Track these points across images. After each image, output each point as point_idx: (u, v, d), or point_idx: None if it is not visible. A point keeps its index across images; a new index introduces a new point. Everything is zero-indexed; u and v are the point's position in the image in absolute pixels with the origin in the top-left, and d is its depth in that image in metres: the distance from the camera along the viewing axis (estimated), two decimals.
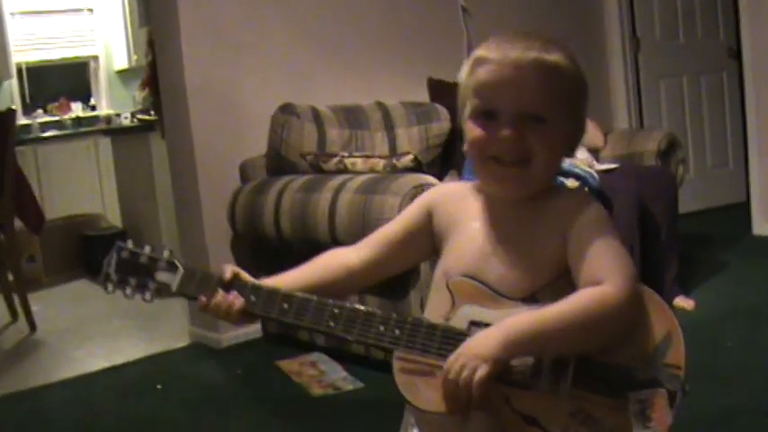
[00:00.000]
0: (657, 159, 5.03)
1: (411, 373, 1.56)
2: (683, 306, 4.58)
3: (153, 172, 6.92)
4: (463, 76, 1.65)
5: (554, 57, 1.57)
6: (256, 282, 1.69)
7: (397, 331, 1.58)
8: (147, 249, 1.79)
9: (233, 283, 1.69)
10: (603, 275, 1.51)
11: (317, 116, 4.65)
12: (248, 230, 4.44)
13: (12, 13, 9.50)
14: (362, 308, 1.63)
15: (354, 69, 5.19)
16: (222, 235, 4.69)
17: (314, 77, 5.06)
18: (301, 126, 4.53)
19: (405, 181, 3.75)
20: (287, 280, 1.72)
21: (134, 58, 9.60)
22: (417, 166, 4.22)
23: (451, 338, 1.55)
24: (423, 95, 5.35)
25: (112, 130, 8.68)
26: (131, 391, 4.25)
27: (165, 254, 1.78)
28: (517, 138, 1.54)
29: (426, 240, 1.77)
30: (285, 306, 1.64)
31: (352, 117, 4.78)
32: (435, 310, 1.64)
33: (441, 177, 4.62)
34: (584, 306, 1.48)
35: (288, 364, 4.19)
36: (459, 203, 1.75)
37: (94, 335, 5.41)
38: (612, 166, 4.86)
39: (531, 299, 1.57)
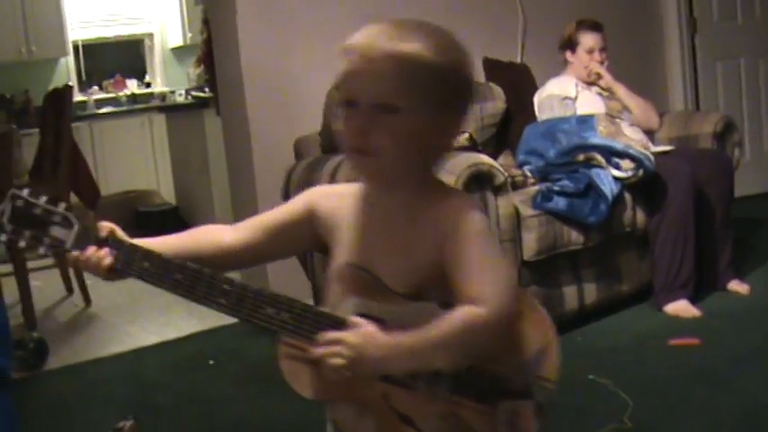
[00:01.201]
0: (713, 142, 4.97)
1: (294, 359, 1.59)
2: (737, 290, 4.54)
3: (207, 149, 6.95)
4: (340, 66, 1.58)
5: (411, 46, 1.50)
6: (131, 242, 1.68)
7: (285, 315, 1.57)
8: (43, 200, 1.67)
9: (108, 240, 1.66)
10: (479, 295, 1.48)
11: None
12: None
13: None
14: (253, 288, 1.59)
15: None
16: None
17: None
18: None
19: (460, 160, 3.74)
20: (159, 244, 1.71)
21: (189, 35, 9.63)
22: (472, 145, 4.21)
23: (339, 329, 1.53)
24: (478, 75, 5.32)
25: (167, 107, 8.74)
26: (183, 367, 4.28)
27: (61, 207, 1.67)
28: (363, 129, 1.51)
29: (304, 236, 1.74)
30: (148, 265, 1.66)
31: None
32: (328, 301, 1.64)
33: (495, 156, 4.60)
34: (460, 329, 1.46)
35: None
36: (342, 201, 1.71)
37: (148, 310, 5.44)
38: (668, 148, 4.82)
39: (417, 296, 1.55)
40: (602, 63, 4.91)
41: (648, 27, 6.71)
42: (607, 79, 4.92)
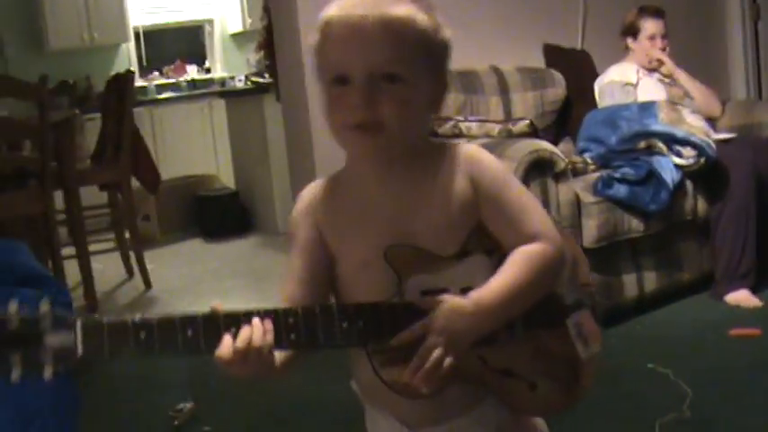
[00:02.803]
0: None
1: (394, 365, 1.43)
2: None
3: (266, 134, 6.98)
4: (312, 44, 1.50)
5: (402, 10, 1.42)
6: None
7: (360, 323, 1.42)
8: (13, 307, 1.27)
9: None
10: (537, 232, 1.48)
11: None
12: None
13: None
14: (316, 307, 1.43)
15: (470, 33, 5.15)
16: None
17: None
18: None
19: (521, 146, 3.73)
20: None
21: (248, 21, 9.69)
22: (533, 132, 4.19)
23: (417, 315, 1.43)
24: (538, 61, 5.30)
25: (227, 93, 8.78)
26: None
27: (43, 307, 1.29)
28: (369, 102, 1.41)
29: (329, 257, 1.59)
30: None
31: (466, 81, 4.75)
32: (375, 292, 1.49)
33: (556, 143, 4.58)
34: (534, 269, 1.45)
35: None
36: (328, 201, 1.60)
37: (207, 293, 5.49)
38: (730, 136, 4.76)
39: (464, 253, 1.50)
40: (663, 50, 4.87)
41: (710, 13, 6.64)
42: (669, 66, 4.88)
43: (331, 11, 1.45)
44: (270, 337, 1.36)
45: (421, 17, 1.44)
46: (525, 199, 1.51)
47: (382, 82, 1.41)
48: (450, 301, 1.43)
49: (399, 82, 1.42)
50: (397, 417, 1.58)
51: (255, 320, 1.36)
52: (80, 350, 1.30)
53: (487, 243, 1.50)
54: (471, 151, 1.54)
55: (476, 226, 1.50)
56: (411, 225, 1.49)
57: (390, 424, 1.60)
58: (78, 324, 1.31)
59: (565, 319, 1.52)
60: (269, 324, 1.37)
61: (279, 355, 1.45)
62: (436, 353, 1.38)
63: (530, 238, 1.48)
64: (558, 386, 1.53)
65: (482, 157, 1.52)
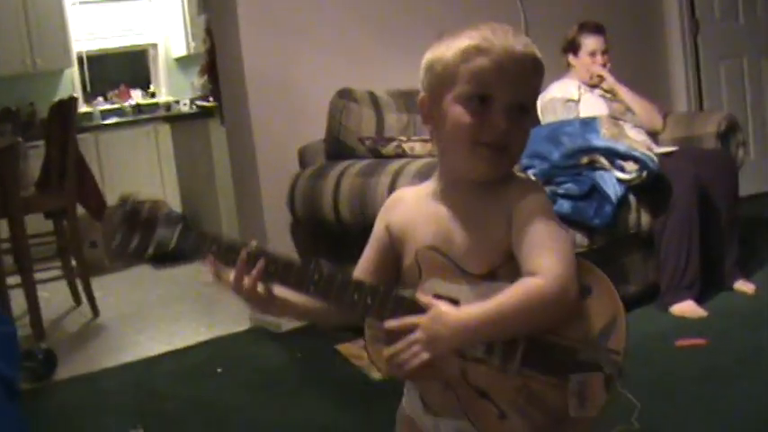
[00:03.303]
0: (717, 142, 4.98)
1: (379, 343, 1.66)
2: (743, 290, 4.54)
3: (212, 158, 6.98)
4: (449, 60, 1.66)
5: (537, 51, 1.66)
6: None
7: (369, 300, 1.64)
8: (148, 203, 1.79)
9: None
10: (537, 267, 1.54)
11: (375, 101, 4.66)
12: (308, 215, 4.46)
13: (72, 3, 9.60)
14: (339, 275, 1.67)
15: (412, 53, 5.13)
16: (282, 220, 4.72)
17: (372, 62, 5.06)
18: (359, 111, 4.54)
19: None
20: (294, 296, 1.75)
21: (192, 45, 9.68)
22: None
23: (416, 310, 1.60)
24: None
25: (172, 117, 8.77)
26: (192, 375, 4.29)
27: (166, 209, 1.80)
28: (509, 126, 1.60)
29: (397, 255, 1.81)
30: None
31: (410, 101, 4.76)
32: (410, 285, 1.70)
33: None
34: (519, 299, 1.53)
35: (347, 348, 4.20)
36: (405, 204, 1.82)
37: (155, 319, 5.47)
38: (672, 149, 4.82)
39: (491, 275, 1.62)
40: (604, 65, 4.93)
41: (650, 28, 6.73)
42: (610, 81, 4.93)
43: (482, 39, 1.63)
44: (256, 274, 1.67)
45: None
46: (546, 237, 1.57)
47: (519, 111, 1.62)
48: (441, 307, 1.58)
49: (527, 114, 1.64)
50: (425, 400, 1.76)
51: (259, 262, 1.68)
52: (173, 244, 1.74)
53: (517, 276, 1.57)
54: (526, 185, 1.67)
55: (509, 256, 1.61)
56: (453, 236, 1.67)
57: (415, 404, 1.78)
58: (179, 226, 1.74)
59: (570, 371, 1.55)
60: (261, 264, 1.67)
61: (304, 302, 1.72)
62: (415, 347, 1.57)
63: (530, 272, 1.55)
64: (528, 426, 1.58)
65: (531, 193, 1.64)
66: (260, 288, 1.70)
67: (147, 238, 1.77)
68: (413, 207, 1.78)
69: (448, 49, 1.67)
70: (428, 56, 1.73)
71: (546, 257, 1.54)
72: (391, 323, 1.61)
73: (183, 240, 1.74)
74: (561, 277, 1.52)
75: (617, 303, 1.60)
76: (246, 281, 1.68)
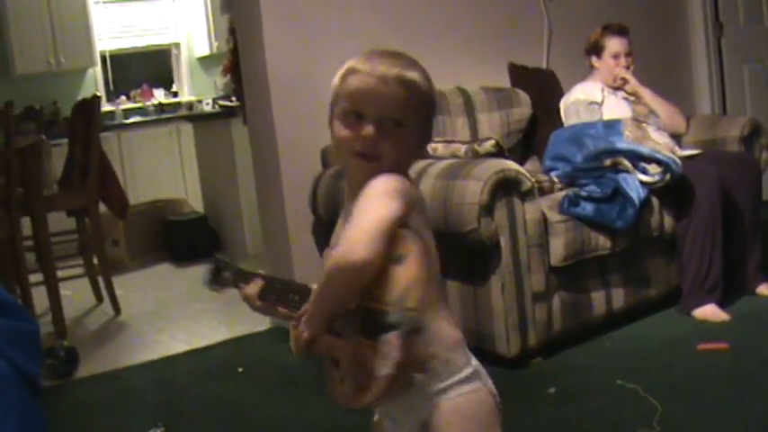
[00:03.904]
0: (740, 145, 4.96)
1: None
2: (766, 294, 4.52)
3: (234, 157, 6.99)
4: (336, 82, 1.89)
5: (413, 75, 1.82)
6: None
7: (296, 297, 1.86)
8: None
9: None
10: (343, 239, 1.73)
11: None
12: (329, 216, 4.46)
13: (96, 2, 9.64)
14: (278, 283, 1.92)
15: (435, 54, 5.17)
16: (303, 220, 4.72)
17: None
18: None
19: (487, 166, 3.75)
20: None
21: (215, 44, 9.69)
22: (499, 152, 4.21)
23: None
24: (503, 81, 5.33)
25: (194, 117, 8.78)
26: (212, 374, 4.30)
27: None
28: (377, 136, 1.79)
29: None
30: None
31: None
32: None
33: (522, 162, 4.61)
34: (330, 269, 1.73)
35: None
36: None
37: (177, 318, 5.48)
38: (695, 151, 4.80)
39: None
40: (627, 68, 4.91)
41: (674, 31, 6.71)
42: (633, 84, 4.92)
43: (358, 63, 1.86)
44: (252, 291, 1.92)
45: (424, 82, 1.84)
46: (358, 214, 1.74)
47: (389, 124, 1.80)
48: (313, 288, 1.82)
49: (401, 127, 1.81)
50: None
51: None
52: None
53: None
54: (374, 180, 1.79)
55: None
56: (343, 233, 1.83)
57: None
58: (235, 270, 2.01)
59: (380, 333, 1.65)
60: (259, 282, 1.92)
61: None
62: (301, 326, 1.78)
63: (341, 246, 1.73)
64: (353, 387, 1.71)
65: (371, 182, 1.77)
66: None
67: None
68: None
69: (338, 71, 1.90)
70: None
71: (349, 231, 1.72)
72: (301, 311, 1.81)
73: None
74: (349, 243, 1.69)
75: (420, 270, 1.69)
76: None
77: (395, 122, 1.80)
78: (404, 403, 1.79)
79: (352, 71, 1.86)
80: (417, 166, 3.97)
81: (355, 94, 1.83)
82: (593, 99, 4.82)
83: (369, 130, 1.79)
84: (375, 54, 1.88)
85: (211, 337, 4.90)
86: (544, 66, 5.70)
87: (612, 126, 4.45)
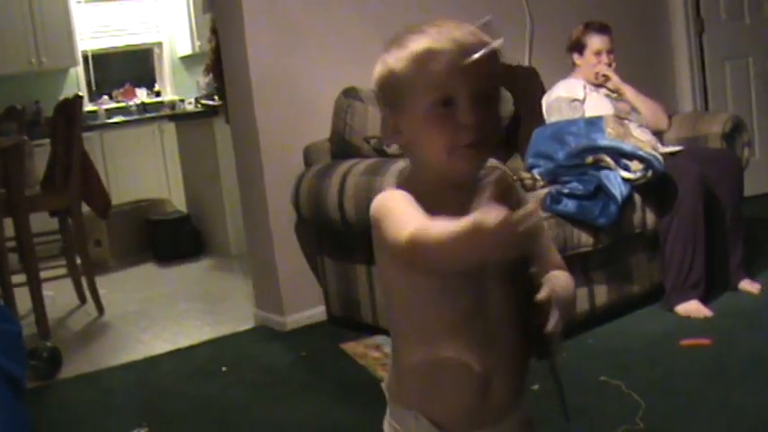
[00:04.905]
0: (722, 142, 4.97)
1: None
2: (748, 290, 4.54)
3: (217, 156, 6.99)
4: (403, 72, 1.58)
5: (489, 38, 1.58)
6: None
7: None
8: None
9: None
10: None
11: None
12: (312, 214, 4.46)
13: (78, 2, 9.61)
14: None
15: None
16: (286, 219, 4.72)
17: (377, 61, 5.04)
18: (365, 110, 4.53)
19: None
20: None
21: (197, 44, 9.67)
22: None
23: None
24: None
25: (177, 116, 8.76)
26: (196, 374, 4.30)
27: None
28: (481, 120, 1.50)
29: None
30: None
31: None
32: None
33: (504, 160, 4.61)
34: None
35: (352, 347, 4.21)
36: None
37: (160, 318, 5.48)
38: (677, 148, 4.82)
39: None
40: (609, 65, 4.92)
41: (656, 28, 6.72)
42: (615, 81, 4.92)
43: (430, 41, 1.55)
44: None
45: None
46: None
47: (485, 101, 1.52)
48: None
49: (495, 101, 1.56)
50: (432, 418, 1.62)
51: None
52: None
53: None
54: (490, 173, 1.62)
55: None
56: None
57: (421, 425, 1.63)
58: None
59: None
60: None
61: None
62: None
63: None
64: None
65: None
66: None
67: None
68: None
69: (398, 60, 1.60)
70: (379, 71, 1.66)
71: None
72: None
73: None
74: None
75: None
76: None
77: (490, 98, 1.54)
78: None
79: (428, 53, 1.54)
80: (398, 164, 3.97)
81: (439, 79, 1.51)
82: (576, 96, 4.83)
83: (471, 115, 1.50)
84: (438, 27, 1.60)
85: (195, 336, 4.89)
86: (526, 63, 5.71)
87: (594, 123, 4.45)
